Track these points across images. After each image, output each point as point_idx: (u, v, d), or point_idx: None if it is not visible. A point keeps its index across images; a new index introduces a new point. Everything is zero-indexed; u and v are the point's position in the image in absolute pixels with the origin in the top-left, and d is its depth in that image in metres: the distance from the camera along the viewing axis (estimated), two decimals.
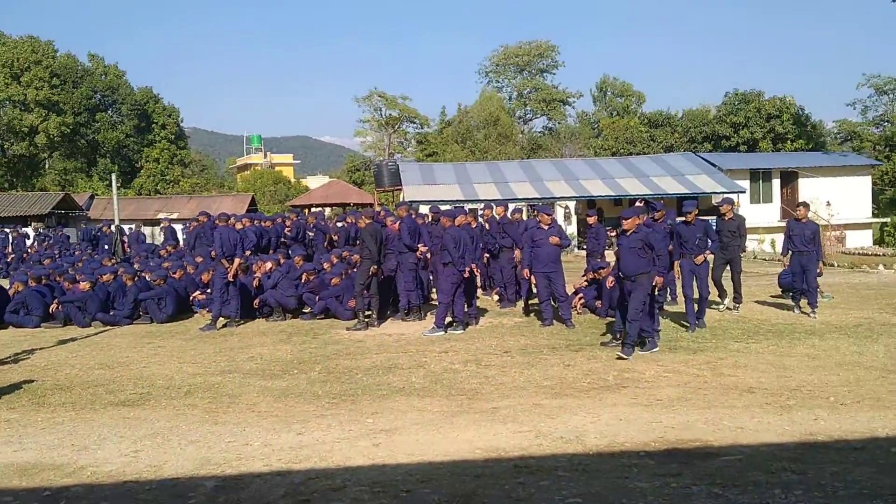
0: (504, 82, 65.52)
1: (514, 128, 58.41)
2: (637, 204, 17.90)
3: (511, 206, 17.48)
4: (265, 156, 78.97)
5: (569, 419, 6.74)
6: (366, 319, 11.87)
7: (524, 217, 15.17)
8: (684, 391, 7.72)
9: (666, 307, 12.76)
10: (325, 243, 16.39)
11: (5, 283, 13.95)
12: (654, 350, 9.52)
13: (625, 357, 9.01)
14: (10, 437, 6.64)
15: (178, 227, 22.48)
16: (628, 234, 9.43)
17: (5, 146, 59.96)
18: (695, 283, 11.46)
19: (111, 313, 12.83)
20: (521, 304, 13.15)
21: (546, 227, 11.56)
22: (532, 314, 12.57)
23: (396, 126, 63.15)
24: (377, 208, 19.39)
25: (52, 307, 12.81)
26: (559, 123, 63.00)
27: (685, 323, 11.35)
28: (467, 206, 15.51)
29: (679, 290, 12.71)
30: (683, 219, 11.65)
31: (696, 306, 11.34)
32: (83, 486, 5.40)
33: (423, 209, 19.47)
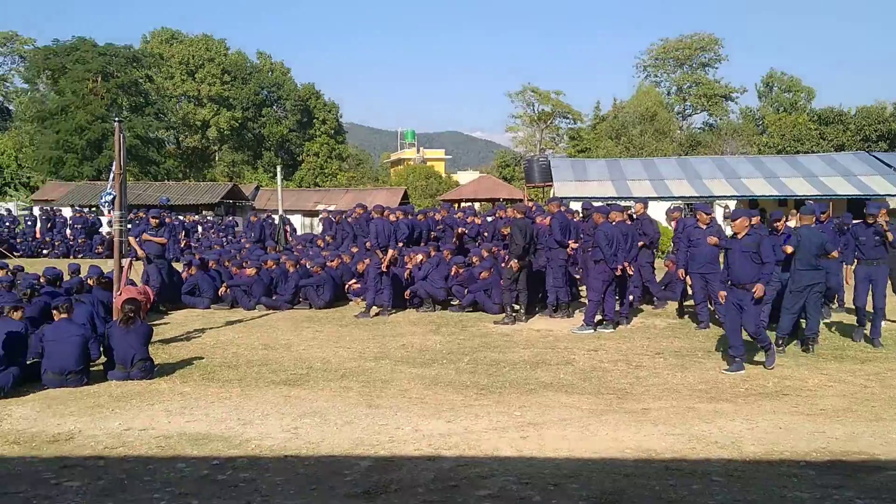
0: (662, 77, 63.86)
1: (672, 123, 56.81)
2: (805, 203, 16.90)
3: (668, 205, 16.99)
4: (418, 151, 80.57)
5: (724, 424, 6.52)
6: (514, 314, 11.92)
7: (682, 216, 14.70)
8: (850, 402, 7.29)
9: (833, 315, 12.05)
10: (454, 239, 16.49)
11: (180, 267, 14.95)
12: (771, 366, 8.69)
13: (729, 372, 8.47)
14: (183, 408, 7.15)
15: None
16: (739, 237, 8.78)
17: (180, 139, 64.31)
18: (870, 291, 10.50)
19: (273, 298, 13.51)
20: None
21: (704, 227, 11.18)
22: (687, 316, 12.20)
23: (549, 121, 62.85)
24: (528, 204, 19.35)
25: (221, 290, 13.64)
26: (720, 119, 60.72)
27: (854, 333, 10.64)
28: (621, 203, 15.20)
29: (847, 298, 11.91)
30: (862, 220, 10.73)
31: (866, 319, 10.46)
32: (248, 457, 5.74)
33: (574, 206, 19.29)
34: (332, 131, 67.80)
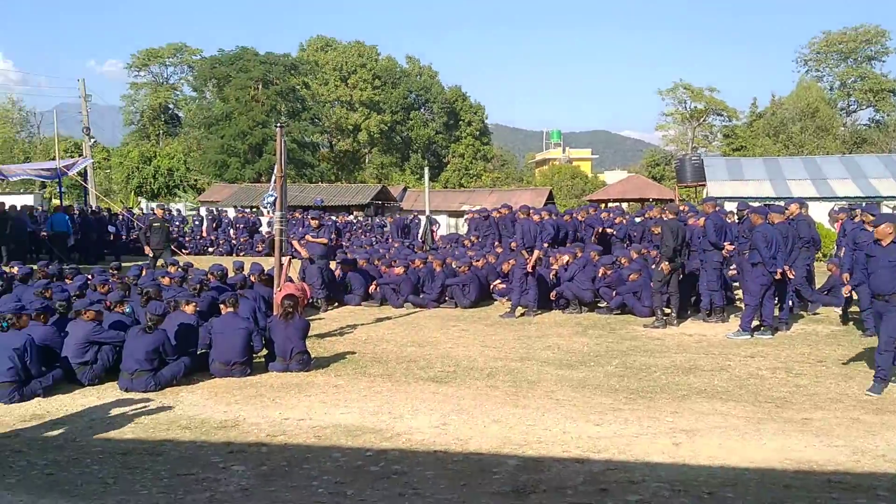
0: (825, 71, 60.25)
1: (835, 120, 53.51)
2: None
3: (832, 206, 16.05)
4: (563, 150, 79.91)
5: (892, 437, 6.10)
6: (664, 318, 11.61)
7: (848, 217, 13.83)
8: None
9: None
10: (593, 237, 16.19)
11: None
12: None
13: (871, 394, 7.62)
14: (337, 400, 7.43)
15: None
16: (884, 244, 7.98)
17: (333, 142, 66.76)
18: None
19: (421, 296, 13.79)
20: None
21: (871, 229, 10.47)
22: (851, 322, 11.49)
23: (702, 119, 60.79)
24: (680, 205, 18.79)
25: (371, 288, 14.05)
26: (888, 115, 56.66)
27: None
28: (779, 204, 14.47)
29: None
30: None
31: None
32: (399, 450, 5.90)
33: (729, 206, 18.55)
34: (478, 132, 68.40)
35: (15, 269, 12.66)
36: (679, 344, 10.32)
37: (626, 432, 6.30)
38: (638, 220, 17.70)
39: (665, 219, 11.90)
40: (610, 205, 32.50)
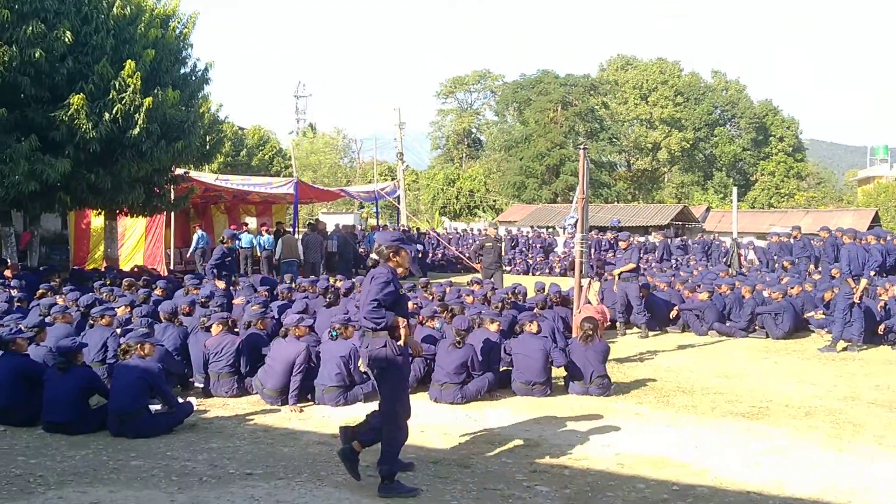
0: None
1: None
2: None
3: None
4: (891, 167, 71.80)
5: None
6: None
7: None
8: None
9: None
10: None
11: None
12: None
13: None
14: (639, 428, 7.25)
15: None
16: None
17: (631, 161, 66.01)
18: None
19: (727, 324, 13.08)
20: None
21: None
22: None
23: None
24: None
25: (672, 313, 13.58)
26: None
27: None
28: None
29: None
30: None
31: None
32: (707, 487, 5.61)
33: None
34: (790, 149, 63.74)
35: (339, 283, 13.97)
36: None
37: None
38: None
39: None
40: None
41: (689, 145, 62.87)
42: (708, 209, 45.56)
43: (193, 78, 17.02)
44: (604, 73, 66.91)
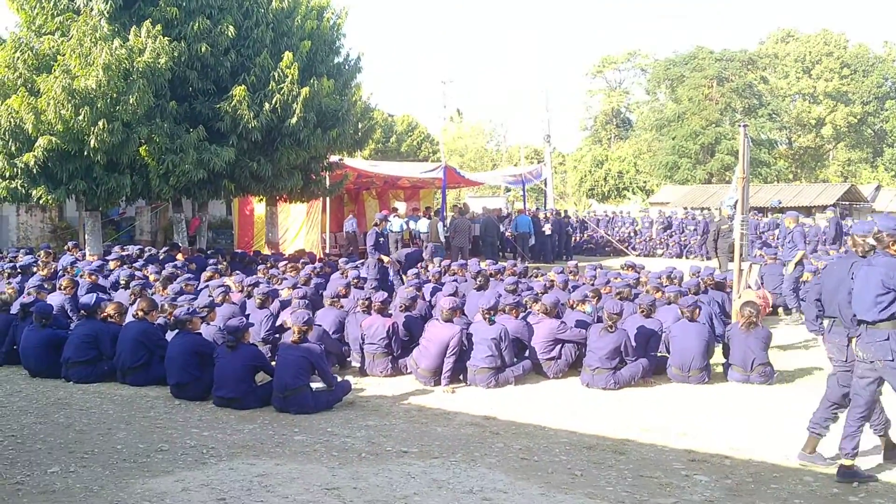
0: None
1: None
2: None
3: None
4: None
5: None
6: None
7: None
8: None
9: None
10: None
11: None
12: None
13: None
14: (805, 419, 6.87)
15: None
16: None
17: (792, 138, 62.54)
18: None
19: None
20: None
21: None
22: None
23: None
24: None
25: None
26: None
27: None
28: None
29: None
30: None
31: None
32: (882, 483, 5.26)
33: None
34: None
35: (485, 264, 14.04)
36: None
37: None
38: None
39: None
40: None
41: (856, 120, 58.77)
42: (878, 188, 42.49)
43: (346, 67, 17.49)
44: (762, 46, 63.61)
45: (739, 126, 10.30)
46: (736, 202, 10.13)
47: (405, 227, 21.16)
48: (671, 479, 5.33)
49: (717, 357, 8.76)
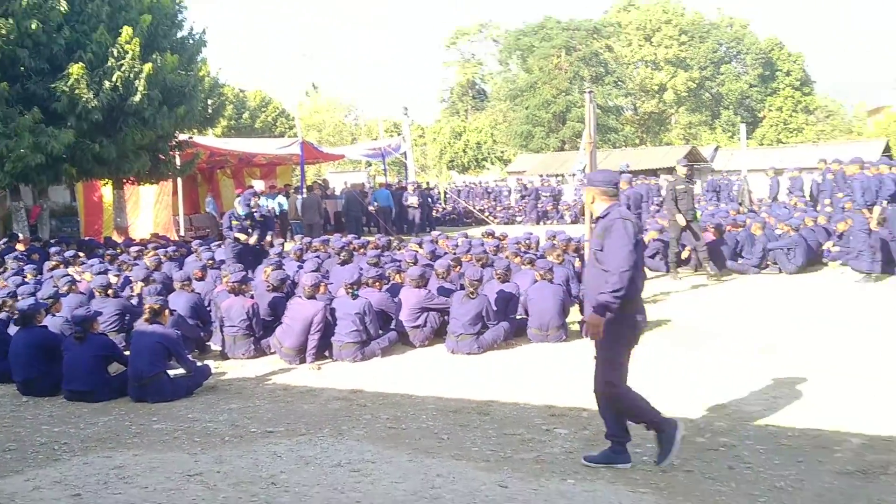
0: None
1: None
2: None
3: None
4: None
5: None
6: None
7: None
8: None
9: None
10: None
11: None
12: None
13: None
14: (656, 370, 7.27)
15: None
16: None
17: (637, 104, 65.32)
18: None
19: (739, 262, 13.04)
20: None
21: None
22: None
23: None
24: None
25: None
26: None
27: None
28: None
29: None
30: None
31: None
32: (726, 422, 5.65)
33: None
34: (798, 83, 62.85)
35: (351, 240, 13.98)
36: None
37: None
38: None
39: None
40: None
41: (695, 85, 62.03)
42: (717, 148, 45.10)
43: (191, 41, 16.85)
44: (606, 15, 65.86)
45: (585, 93, 10.64)
46: (585, 167, 10.49)
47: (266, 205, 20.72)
48: (533, 435, 5.52)
49: (574, 316, 9.08)
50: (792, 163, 23.19)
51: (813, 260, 13.05)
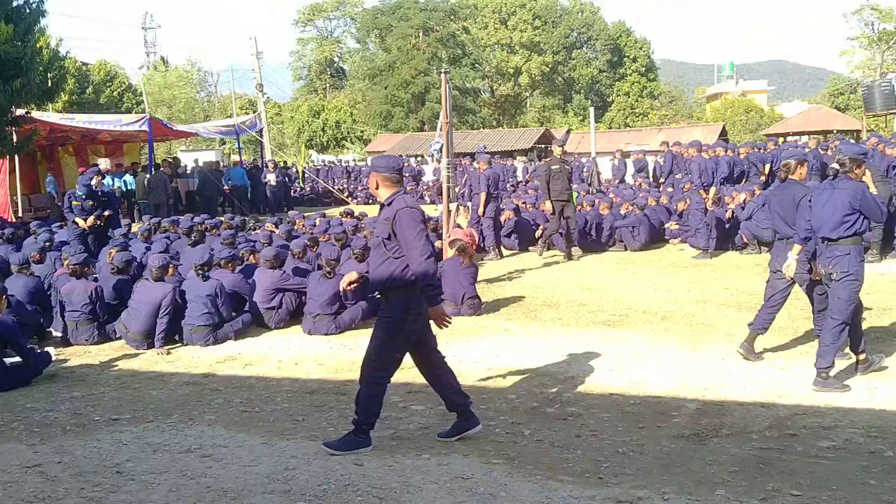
0: None
1: None
2: None
3: None
4: (737, 83, 75.57)
5: None
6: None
7: None
8: None
9: None
10: (762, 176, 15.11)
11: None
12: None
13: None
14: (510, 343, 7.49)
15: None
16: None
17: (494, 87, 66.48)
18: None
19: (588, 240, 13.57)
20: None
21: None
22: None
23: (891, 42, 55.54)
24: (866, 135, 17.36)
25: (537, 233, 13.93)
26: None
27: None
28: None
29: None
30: None
31: None
32: (574, 393, 5.88)
33: None
34: (644, 69, 65.87)
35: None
36: (871, 285, 9.58)
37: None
38: (823, 152, 16.46)
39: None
40: (789, 139, 30.62)
41: (548, 69, 63.81)
42: (568, 131, 46.62)
43: (27, 11, 15.69)
44: None
45: (440, 73, 10.72)
46: (441, 146, 10.60)
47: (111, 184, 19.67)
48: (390, 413, 5.54)
49: None
50: (637, 145, 24.29)
51: (655, 237, 13.77)
